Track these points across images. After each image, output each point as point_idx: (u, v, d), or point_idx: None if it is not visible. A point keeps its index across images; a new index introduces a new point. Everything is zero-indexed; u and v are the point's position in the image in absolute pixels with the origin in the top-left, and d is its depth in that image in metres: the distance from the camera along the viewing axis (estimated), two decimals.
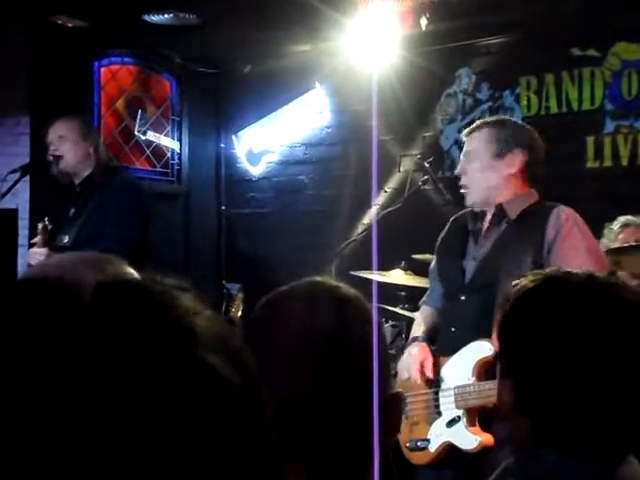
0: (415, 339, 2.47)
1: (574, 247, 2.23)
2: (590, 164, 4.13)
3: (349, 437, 0.83)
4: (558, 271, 1.18)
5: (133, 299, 0.41)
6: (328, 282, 0.91)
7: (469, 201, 2.42)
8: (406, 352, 2.49)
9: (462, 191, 2.43)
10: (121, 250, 2.93)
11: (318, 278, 0.92)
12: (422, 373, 2.37)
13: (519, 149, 2.36)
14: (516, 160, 2.36)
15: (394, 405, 0.89)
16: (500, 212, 2.37)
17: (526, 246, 2.27)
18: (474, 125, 2.46)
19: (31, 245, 3.26)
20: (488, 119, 2.52)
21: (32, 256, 3.15)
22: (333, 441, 0.83)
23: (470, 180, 2.40)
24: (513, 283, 1.16)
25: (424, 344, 2.43)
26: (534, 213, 2.35)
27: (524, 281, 1.14)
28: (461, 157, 2.47)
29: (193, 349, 0.40)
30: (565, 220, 2.28)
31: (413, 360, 2.39)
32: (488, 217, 2.40)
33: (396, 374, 2.65)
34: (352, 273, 3.21)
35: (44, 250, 3.11)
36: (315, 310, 0.87)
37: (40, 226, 3.16)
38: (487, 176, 2.37)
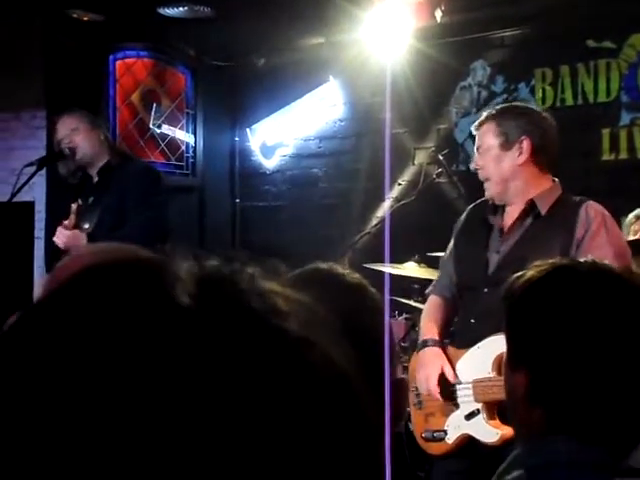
0: (425, 343, 2.44)
1: (601, 245, 2.23)
2: (606, 157, 4.11)
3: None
4: (564, 260, 1.18)
5: (235, 302, 0.40)
6: (334, 268, 0.91)
7: (489, 194, 2.43)
8: (420, 358, 2.43)
9: (485, 185, 2.44)
10: (147, 231, 2.94)
11: (323, 265, 0.91)
12: (441, 384, 2.37)
13: (525, 135, 2.36)
14: (524, 148, 2.36)
15: (397, 392, 0.89)
16: (531, 207, 2.36)
17: (554, 241, 2.27)
18: (481, 119, 2.47)
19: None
20: (493, 110, 2.51)
21: (58, 236, 3.15)
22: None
23: (486, 174, 2.42)
24: (515, 275, 1.16)
25: (436, 349, 2.40)
26: (562, 208, 2.34)
27: (529, 272, 1.14)
28: (475, 152, 2.49)
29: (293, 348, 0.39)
30: (594, 218, 2.28)
31: (430, 374, 2.37)
32: (514, 211, 2.40)
33: (407, 368, 2.65)
34: (365, 266, 3.22)
35: (69, 232, 3.11)
36: (319, 296, 0.87)
37: (74, 206, 3.16)
38: (500, 168, 2.38)
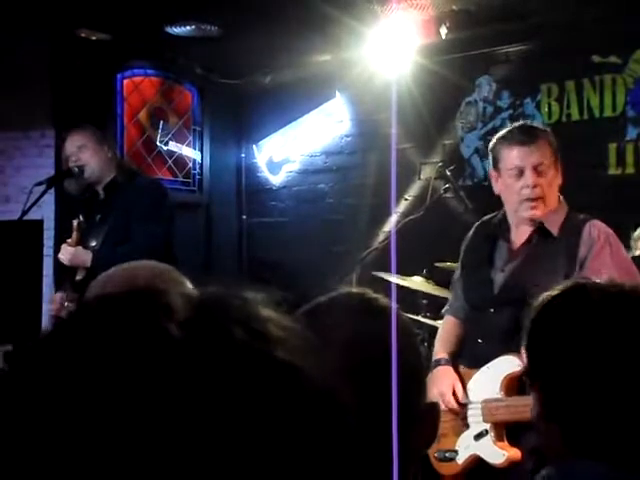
0: (438, 362, 2.43)
1: (604, 265, 2.21)
2: (612, 171, 4.11)
3: (388, 450, 0.82)
4: (581, 279, 1.18)
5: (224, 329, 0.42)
6: (367, 293, 0.92)
7: (537, 214, 2.32)
8: (432, 377, 2.41)
9: (533, 204, 2.31)
10: (151, 247, 2.95)
11: (355, 289, 0.93)
12: (455, 399, 2.36)
13: (559, 154, 2.36)
14: (560, 167, 2.36)
15: (430, 415, 0.89)
16: (541, 230, 2.33)
17: (558, 261, 2.25)
18: (533, 133, 2.33)
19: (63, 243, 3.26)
20: (540, 126, 2.44)
21: (62, 253, 3.17)
22: (372, 455, 0.83)
23: (543, 193, 2.31)
24: (540, 297, 1.16)
25: (448, 367, 2.41)
26: (568, 228, 2.32)
27: (549, 292, 1.15)
28: (527, 171, 2.30)
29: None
30: (597, 237, 2.25)
31: (444, 391, 2.36)
32: (525, 231, 2.37)
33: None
34: (374, 274, 3.19)
35: (72, 249, 3.13)
36: (354, 321, 0.88)
37: (75, 223, 3.17)
38: (554, 187, 2.34)
